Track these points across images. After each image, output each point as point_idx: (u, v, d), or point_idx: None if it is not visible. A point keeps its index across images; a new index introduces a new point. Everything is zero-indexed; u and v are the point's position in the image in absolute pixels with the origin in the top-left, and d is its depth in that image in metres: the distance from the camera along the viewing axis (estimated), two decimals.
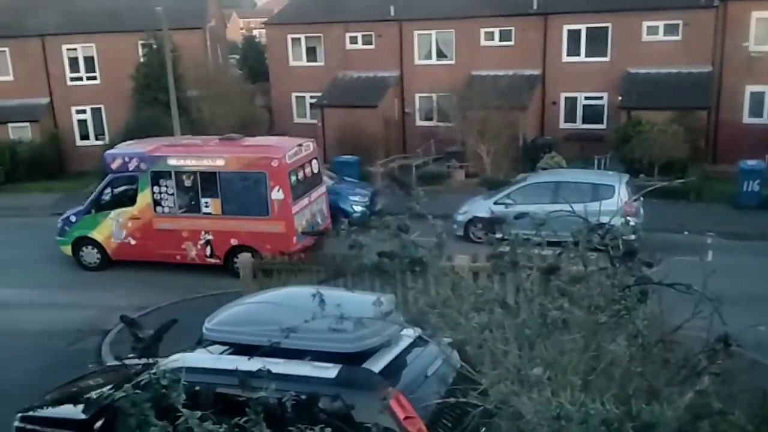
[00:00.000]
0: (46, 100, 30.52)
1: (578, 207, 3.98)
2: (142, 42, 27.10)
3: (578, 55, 26.94)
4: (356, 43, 29.70)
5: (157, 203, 15.76)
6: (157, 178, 15.66)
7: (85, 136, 30.76)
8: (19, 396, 7.52)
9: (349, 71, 29.60)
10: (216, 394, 5.24)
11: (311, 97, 29.70)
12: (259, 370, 2.99)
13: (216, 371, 5.35)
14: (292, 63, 30.73)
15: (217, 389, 5.30)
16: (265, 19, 35.47)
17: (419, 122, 29.37)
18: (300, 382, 4.96)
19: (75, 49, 30.35)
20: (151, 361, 2.89)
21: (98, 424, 6.19)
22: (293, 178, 15.32)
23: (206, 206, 15.51)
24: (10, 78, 30.25)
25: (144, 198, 15.82)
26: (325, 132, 27.88)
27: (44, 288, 15.00)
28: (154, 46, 26.27)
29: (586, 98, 27.15)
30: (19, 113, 29.71)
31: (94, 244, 16.42)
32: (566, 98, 27.39)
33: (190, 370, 4.94)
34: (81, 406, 6.54)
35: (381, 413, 4.71)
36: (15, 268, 16.43)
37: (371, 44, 29.42)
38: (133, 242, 16.08)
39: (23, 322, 13.00)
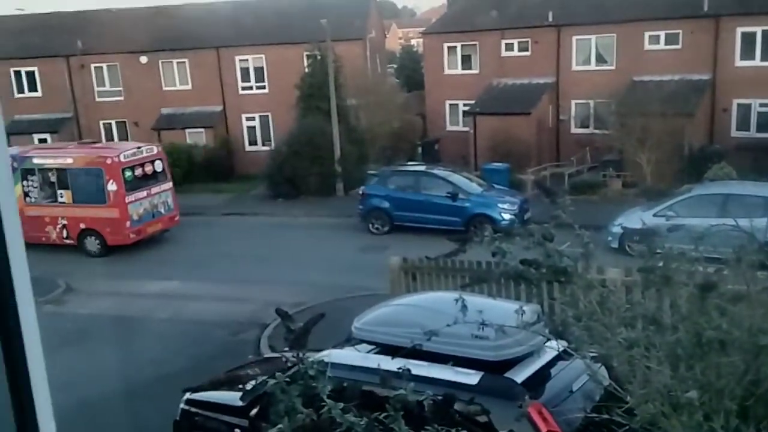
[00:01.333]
0: (219, 108, 32.89)
1: (745, 222, 3.74)
2: (307, 53, 28.46)
3: (753, 59, 24.95)
4: (512, 50, 29.38)
5: (26, 194, 19.15)
6: (26, 174, 19.15)
7: (253, 142, 32.74)
8: (186, 381, 8.19)
9: (503, 78, 29.34)
10: (361, 390, 5.42)
11: (464, 105, 29.76)
12: (400, 369, 3.08)
13: (361, 368, 5.54)
14: (447, 71, 30.94)
15: (363, 386, 5.48)
16: (423, 29, 36.05)
17: (574, 129, 28.51)
18: (441, 386, 5.02)
19: (246, 60, 32.44)
20: (300, 353, 3.09)
21: (254, 411, 6.60)
22: (128, 173, 18.63)
23: (61, 197, 19.02)
24: (189, 87, 32.93)
25: (17, 190, 18.74)
26: (476, 139, 27.81)
27: (211, 282, 16.20)
28: (318, 57, 27.49)
29: (762, 105, 25.05)
30: (195, 120, 32.32)
31: None
32: (739, 105, 25.44)
33: (337, 365, 5.16)
34: (239, 394, 7.00)
35: (518, 421, 4.66)
36: (186, 263, 17.93)
37: (527, 51, 28.98)
38: None
39: (192, 312, 14.15)
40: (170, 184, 20.23)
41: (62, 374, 9.50)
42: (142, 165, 19.17)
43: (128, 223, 18.56)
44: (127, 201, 18.49)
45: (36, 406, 1.10)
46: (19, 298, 1.06)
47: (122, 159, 18.60)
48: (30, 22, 34.28)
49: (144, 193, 19.07)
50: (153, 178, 19.49)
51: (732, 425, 2.81)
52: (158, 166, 19.77)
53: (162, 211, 19.77)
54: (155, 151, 20.06)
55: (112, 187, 18.37)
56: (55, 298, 15.32)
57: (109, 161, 18.47)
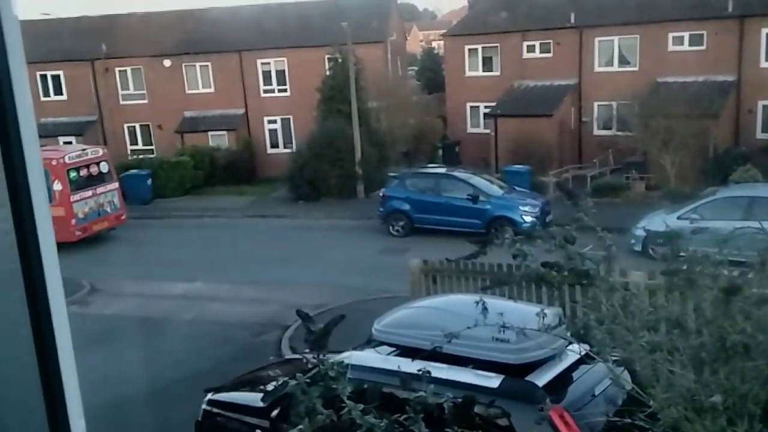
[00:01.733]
0: (241, 111, 33.12)
1: None
2: (328, 56, 28.53)
3: None
4: (533, 51, 29.26)
5: None
6: None
7: (275, 145, 32.91)
8: (209, 381, 8.25)
9: (524, 80, 29.23)
10: (381, 392, 5.44)
11: (485, 107, 29.66)
12: (420, 371, 3.09)
13: (381, 370, 5.55)
14: (467, 73, 30.89)
15: (383, 387, 5.49)
16: (444, 31, 36.01)
17: (597, 131, 28.31)
18: (461, 389, 5.02)
19: (268, 63, 32.63)
20: (321, 354, 3.12)
21: (275, 412, 6.64)
22: (73, 174, 19.58)
23: None
24: (212, 90, 33.19)
25: None
26: (497, 142, 27.72)
27: (232, 284, 16.31)
28: (339, 60, 27.57)
29: None
30: (217, 122, 32.58)
31: None
32: (764, 106, 25.12)
33: (358, 367, 5.18)
34: (260, 395, 7.05)
35: (540, 425, 4.64)
36: (209, 265, 18.06)
37: (549, 52, 28.83)
38: None
39: (214, 313, 14.26)
40: (116, 185, 21.30)
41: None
42: (87, 166, 20.28)
43: (74, 221, 19.40)
44: (72, 200, 19.42)
45: (67, 405, 1.13)
46: (51, 300, 1.08)
47: (67, 160, 19.66)
48: (55, 26, 34.77)
49: (89, 193, 20.10)
50: (99, 178, 20.57)
51: (756, 430, 2.78)
52: (104, 167, 20.83)
53: (108, 210, 20.81)
54: (101, 153, 21.24)
55: (57, 186, 19.21)
56: (80, 299, 15.54)
57: (54, 162, 19.26)
